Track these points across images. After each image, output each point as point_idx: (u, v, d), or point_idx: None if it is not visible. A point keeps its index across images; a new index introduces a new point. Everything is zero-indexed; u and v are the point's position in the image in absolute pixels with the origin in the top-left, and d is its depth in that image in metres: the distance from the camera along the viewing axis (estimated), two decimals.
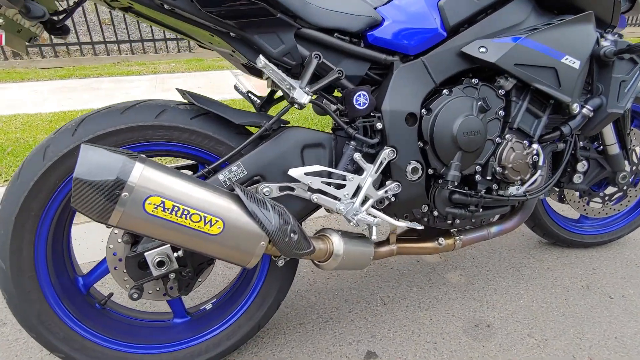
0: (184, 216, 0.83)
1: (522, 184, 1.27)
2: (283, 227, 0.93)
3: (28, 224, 0.95)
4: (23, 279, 0.97)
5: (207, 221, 0.85)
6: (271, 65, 0.96)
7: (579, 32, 1.17)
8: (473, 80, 1.16)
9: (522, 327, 1.36)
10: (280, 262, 1.08)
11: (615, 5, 1.24)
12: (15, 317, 0.99)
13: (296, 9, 0.99)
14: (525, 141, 1.22)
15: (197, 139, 1.04)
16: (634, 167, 1.60)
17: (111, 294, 1.14)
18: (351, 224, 1.11)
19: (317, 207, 1.13)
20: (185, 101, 1.08)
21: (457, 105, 1.14)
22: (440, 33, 1.12)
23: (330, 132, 1.14)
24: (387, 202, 1.17)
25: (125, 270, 1.02)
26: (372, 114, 1.11)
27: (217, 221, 0.86)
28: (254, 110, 1.30)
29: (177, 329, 1.17)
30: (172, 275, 1.02)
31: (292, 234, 0.95)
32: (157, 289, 1.06)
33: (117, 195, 0.78)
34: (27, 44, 1.05)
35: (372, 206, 1.14)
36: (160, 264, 0.97)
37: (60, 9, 1.03)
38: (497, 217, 1.45)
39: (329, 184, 1.07)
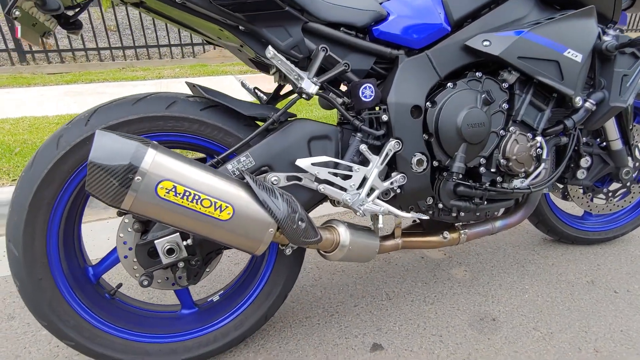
0: (195, 201, 0.85)
1: (526, 176, 1.28)
2: (291, 214, 0.95)
3: (41, 212, 0.97)
4: (35, 266, 0.98)
5: (217, 207, 0.87)
6: (280, 55, 0.98)
7: (581, 26, 1.19)
8: (477, 73, 1.18)
9: (528, 320, 1.37)
10: (288, 251, 1.09)
11: (617, 1, 1.27)
12: (27, 305, 1.01)
13: (304, 2, 1.02)
14: (529, 134, 1.24)
15: (207, 130, 1.06)
16: (637, 163, 1.61)
17: (120, 284, 1.16)
18: (357, 214, 1.12)
19: (324, 198, 1.15)
20: (195, 94, 1.10)
21: (461, 97, 1.15)
22: (444, 27, 1.15)
23: (337, 125, 1.16)
24: (392, 194, 1.18)
25: (135, 259, 1.03)
26: (377, 107, 1.13)
27: (227, 207, 0.88)
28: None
29: (185, 320, 1.18)
30: (181, 264, 1.04)
31: (299, 222, 0.96)
32: (166, 278, 1.08)
33: (130, 179, 0.79)
34: (40, 37, 1.08)
35: (378, 197, 1.16)
36: (170, 251, 0.99)
37: (74, 3, 1.06)
38: (501, 211, 1.47)
39: (335, 174, 1.08)
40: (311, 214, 1.10)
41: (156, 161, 0.82)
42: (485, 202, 1.29)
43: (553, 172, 1.38)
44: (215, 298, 1.24)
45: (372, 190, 1.13)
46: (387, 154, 1.12)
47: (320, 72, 1.06)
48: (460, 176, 1.19)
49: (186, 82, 1.16)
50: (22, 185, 0.96)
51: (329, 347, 1.27)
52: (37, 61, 5.18)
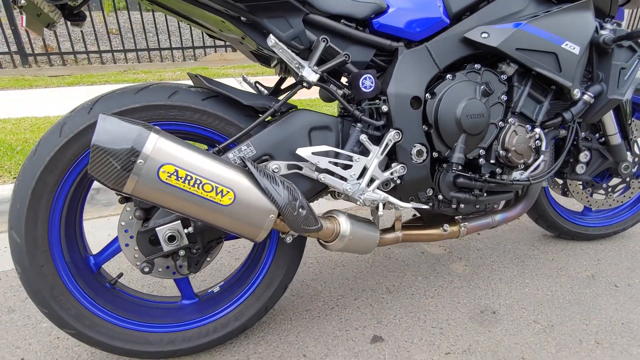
0: (196, 185, 0.85)
1: (525, 168, 1.29)
2: (292, 201, 0.95)
3: (43, 199, 0.97)
4: (37, 253, 0.99)
5: (218, 191, 0.87)
6: (281, 44, 0.99)
7: (579, 18, 1.21)
8: (476, 65, 1.19)
9: (528, 313, 1.37)
10: (289, 239, 1.10)
11: None
12: (28, 292, 1.01)
13: None
14: (527, 125, 1.25)
15: (208, 119, 1.07)
16: (636, 158, 1.62)
17: (121, 274, 1.16)
18: (357, 203, 1.13)
19: (324, 188, 1.15)
20: (196, 85, 1.11)
21: (460, 89, 1.16)
22: (443, 20, 1.16)
23: (337, 117, 1.17)
24: (392, 185, 1.19)
25: (136, 247, 1.04)
26: (377, 97, 1.14)
27: (228, 192, 0.88)
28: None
29: (185, 310, 1.18)
30: (182, 252, 1.04)
31: (300, 209, 0.97)
32: (167, 266, 1.08)
33: (133, 162, 0.80)
34: (45, 28, 1.09)
35: (378, 188, 1.16)
36: (171, 238, 0.99)
37: None
38: (502, 205, 1.47)
39: (335, 164, 1.09)
40: None
41: (158, 145, 0.83)
42: (485, 194, 1.29)
43: (552, 164, 1.39)
44: (216, 289, 1.24)
45: (372, 180, 1.14)
46: (387, 145, 1.13)
47: (321, 63, 1.08)
48: (460, 167, 1.19)
49: (188, 73, 1.18)
50: (25, 173, 0.97)
51: (329, 338, 1.27)
52: (39, 64, 5.21)
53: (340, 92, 1.17)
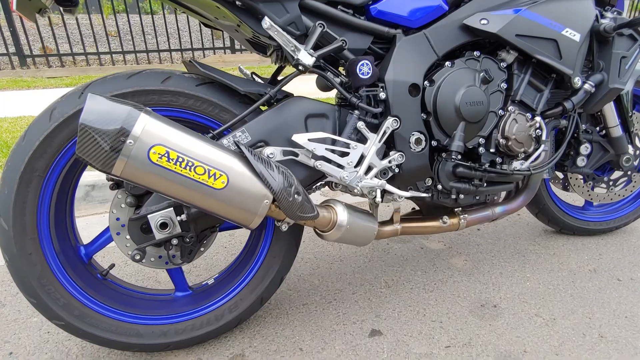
0: (188, 167, 0.83)
1: (526, 158, 1.27)
2: (287, 187, 0.93)
3: (32, 184, 0.95)
4: (25, 240, 0.96)
5: (211, 174, 0.85)
6: (276, 26, 0.97)
7: (579, 6, 1.19)
8: (475, 53, 1.18)
9: (530, 307, 1.34)
10: (284, 227, 1.07)
11: None
12: (15, 280, 0.98)
13: None
14: (528, 114, 1.23)
15: (203, 105, 1.05)
16: (638, 151, 1.60)
17: (112, 265, 1.13)
18: (355, 191, 1.10)
19: (321, 176, 1.13)
20: (191, 72, 1.09)
21: (459, 76, 1.15)
22: (441, 6, 1.14)
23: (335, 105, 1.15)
24: (390, 174, 1.16)
25: (128, 236, 1.01)
26: (375, 84, 1.12)
27: (221, 175, 0.86)
28: None
29: (179, 302, 1.15)
30: (175, 241, 1.01)
31: (296, 195, 0.94)
32: (160, 256, 1.05)
33: (122, 142, 0.78)
34: (36, 14, 1.07)
35: (376, 177, 1.14)
36: (163, 225, 0.97)
37: None
38: (502, 197, 1.45)
39: (332, 151, 1.07)
40: None
41: (149, 125, 0.80)
42: (485, 185, 1.27)
43: (553, 155, 1.36)
44: (210, 281, 1.22)
45: (370, 168, 1.12)
46: (384, 132, 1.10)
47: (318, 48, 1.06)
48: (459, 156, 1.17)
49: (182, 61, 1.16)
50: (14, 157, 0.94)
51: (326, 332, 1.24)
52: (37, 65, 5.20)
53: (337, 79, 1.15)
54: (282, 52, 1.22)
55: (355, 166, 1.10)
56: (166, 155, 0.81)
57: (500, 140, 1.21)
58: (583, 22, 1.20)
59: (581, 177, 1.63)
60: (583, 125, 1.49)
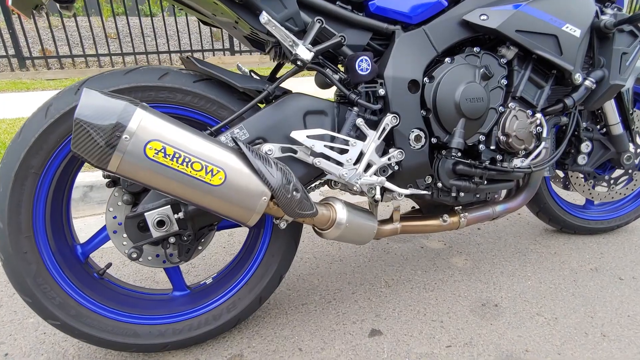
0: (185, 163, 0.82)
1: (527, 155, 1.26)
2: (286, 184, 0.92)
3: (28, 182, 0.94)
4: (20, 239, 0.95)
5: (208, 171, 0.84)
6: (274, 21, 0.96)
7: (579, 1, 1.19)
8: (475, 49, 1.17)
9: (531, 306, 1.32)
10: (283, 225, 1.06)
11: None
12: (10, 279, 0.97)
13: None
14: (528, 110, 1.22)
15: (200, 102, 1.04)
16: (639, 149, 1.59)
17: (110, 264, 1.12)
18: (354, 189, 1.09)
19: (320, 174, 1.12)
20: (188, 68, 1.08)
21: (459, 72, 1.14)
22: (441, 2, 1.14)
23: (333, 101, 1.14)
24: (390, 171, 1.15)
25: (125, 234, 1.00)
26: (374, 81, 1.11)
27: (218, 171, 0.85)
28: None
29: (177, 302, 1.14)
30: (172, 240, 1.00)
31: (294, 192, 0.93)
32: (157, 255, 1.04)
33: (117, 138, 0.77)
34: (32, 10, 1.06)
35: (375, 174, 1.13)
36: (160, 223, 0.95)
37: None
38: (503, 195, 1.44)
39: (331, 148, 1.06)
40: None
41: (145, 120, 0.79)
42: (485, 182, 1.26)
43: (554, 153, 1.35)
44: (209, 281, 1.20)
45: (369, 165, 1.10)
46: (384, 129, 1.09)
47: (316, 44, 1.05)
48: (460, 153, 1.16)
49: (180, 57, 1.15)
50: (9, 154, 0.93)
51: (325, 332, 1.22)
52: (36, 67, 5.20)
53: (336, 76, 1.14)
54: (280, 49, 1.21)
55: (355, 163, 1.09)
56: (163, 151, 0.80)
57: (501, 137, 1.20)
58: (583, 17, 1.19)
59: (582, 175, 1.62)
60: (584, 123, 1.48)
